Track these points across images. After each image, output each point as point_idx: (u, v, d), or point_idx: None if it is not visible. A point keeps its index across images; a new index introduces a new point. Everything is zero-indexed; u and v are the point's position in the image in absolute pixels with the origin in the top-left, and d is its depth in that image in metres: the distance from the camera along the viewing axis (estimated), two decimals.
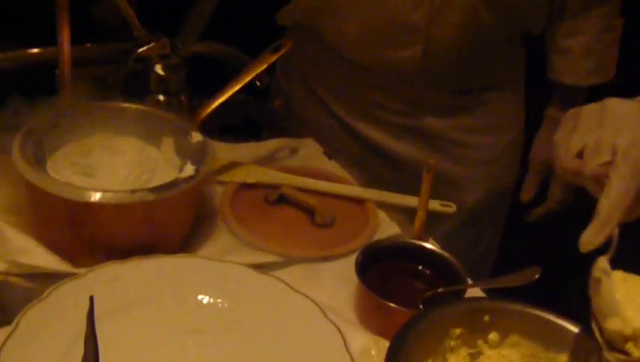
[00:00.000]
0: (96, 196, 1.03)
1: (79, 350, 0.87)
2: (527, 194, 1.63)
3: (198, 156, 1.14)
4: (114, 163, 1.14)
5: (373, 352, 1.00)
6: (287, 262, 1.17)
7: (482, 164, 1.60)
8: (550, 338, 0.92)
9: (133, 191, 1.05)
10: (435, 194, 1.17)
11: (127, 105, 1.23)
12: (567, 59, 1.52)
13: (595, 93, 1.55)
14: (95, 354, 0.83)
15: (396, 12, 1.40)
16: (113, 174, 1.13)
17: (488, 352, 0.93)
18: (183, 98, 1.39)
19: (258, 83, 1.64)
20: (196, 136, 1.18)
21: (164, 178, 1.12)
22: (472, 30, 1.42)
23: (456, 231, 1.53)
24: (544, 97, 1.62)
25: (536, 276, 1.01)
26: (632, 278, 0.82)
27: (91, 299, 0.84)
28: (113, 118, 1.22)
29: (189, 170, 1.11)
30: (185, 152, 1.17)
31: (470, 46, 1.44)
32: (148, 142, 1.21)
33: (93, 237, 1.07)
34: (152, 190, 1.06)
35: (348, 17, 1.45)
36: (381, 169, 1.57)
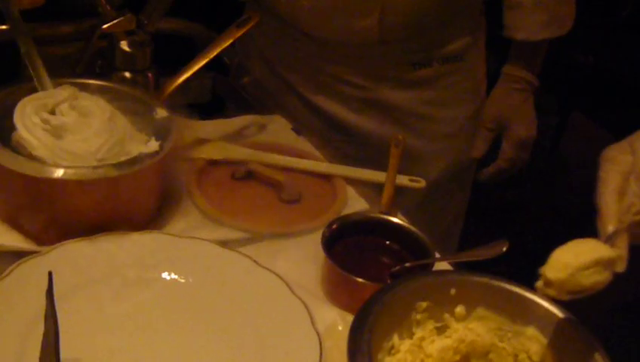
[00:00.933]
0: (59, 172, 1.01)
1: (41, 328, 0.86)
2: (477, 150, 1.62)
3: (162, 132, 1.13)
4: (84, 126, 1.09)
5: (340, 327, 1.00)
6: (254, 238, 1.16)
7: (444, 137, 1.59)
8: (517, 311, 0.91)
9: (96, 167, 1.03)
10: (398, 168, 1.16)
11: (91, 81, 1.21)
12: (517, 14, 1.50)
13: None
14: (55, 331, 0.82)
15: None
16: (84, 141, 1.08)
17: (455, 325, 0.93)
18: (149, 75, 1.37)
19: (227, 59, 1.63)
20: (161, 112, 1.17)
21: (136, 149, 1.10)
22: None
23: (421, 205, 1.52)
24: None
25: (504, 249, 1.00)
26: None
27: (50, 275, 0.82)
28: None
29: (154, 145, 1.09)
30: (150, 128, 1.15)
31: (428, 14, 1.42)
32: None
33: (56, 214, 1.06)
34: (116, 166, 1.04)
35: None
36: (345, 146, 1.55)
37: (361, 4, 1.39)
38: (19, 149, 1.05)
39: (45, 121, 1.07)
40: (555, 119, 3.87)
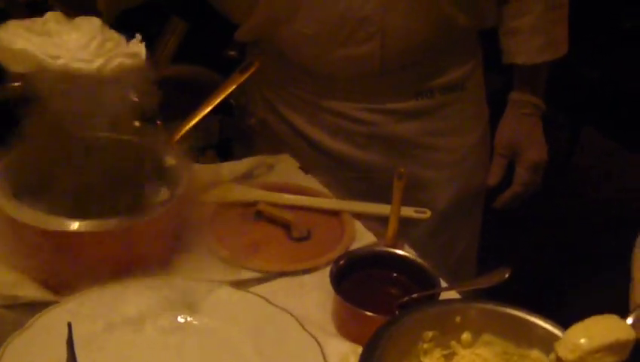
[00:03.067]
0: (74, 225, 1.05)
1: None
2: (493, 178, 1.65)
3: (173, 179, 1.17)
4: (73, 30, 1.07)
5: (351, 360, 1.03)
6: (266, 277, 1.19)
7: (450, 165, 1.62)
8: (521, 334, 0.94)
9: (109, 219, 1.07)
10: (405, 198, 1.19)
11: (102, 135, 1.25)
12: (516, 39, 1.54)
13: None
14: None
15: (350, 7, 1.41)
16: (73, 40, 1.06)
17: (462, 352, 0.96)
18: (158, 123, 1.41)
19: (233, 102, 1.67)
20: (170, 161, 1.21)
21: (133, 49, 1.10)
22: (426, 20, 1.44)
23: (430, 236, 1.56)
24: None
25: (506, 276, 1.03)
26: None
27: (69, 326, 0.86)
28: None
29: (165, 194, 1.13)
30: (160, 176, 1.18)
31: (427, 39, 1.46)
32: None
33: (73, 265, 1.09)
34: (130, 216, 1.08)
35: (304, 20, 1.45)
36: (352, 182, 1.58)
37: (362, 28, 1.42)
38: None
39: (29, 29, 1.04)
40: (566, 134, 3.89)
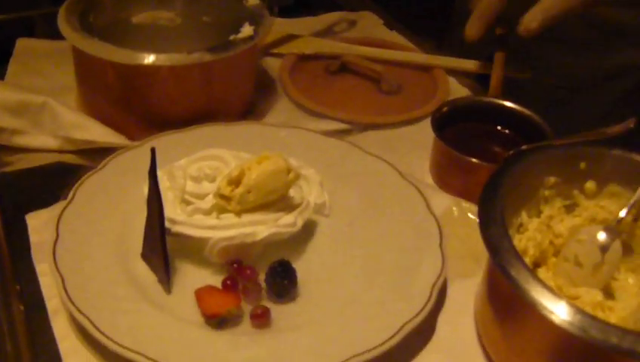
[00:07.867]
0: (149, 58, 0.96)
1: (140, 214, 0.81)
2: None
3: (255, 18, 1.06)
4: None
5: (454, 209, 0.93)
6: (355, 129, 1.09)
7: None
8: None
9: (189, 52, 0.97)
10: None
11: None
12: None
13: None
14: (160, 208, 0.77)
15: None
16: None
17: (585, 203, 0.85)
18: None
19: None
20: (252, 0, 1.10)
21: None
22: None
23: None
24: None
25: (631, 125, 0.92)
26: None
27: (152, 151, 0.77)
28: None
29: (248, 30, 1.03)
30: (242, 14, 1.08)
31: None
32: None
33: (148, 104, 1.01)
34: (210, 50, 0.98)
35: None
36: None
37: None
38: None
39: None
40: None
